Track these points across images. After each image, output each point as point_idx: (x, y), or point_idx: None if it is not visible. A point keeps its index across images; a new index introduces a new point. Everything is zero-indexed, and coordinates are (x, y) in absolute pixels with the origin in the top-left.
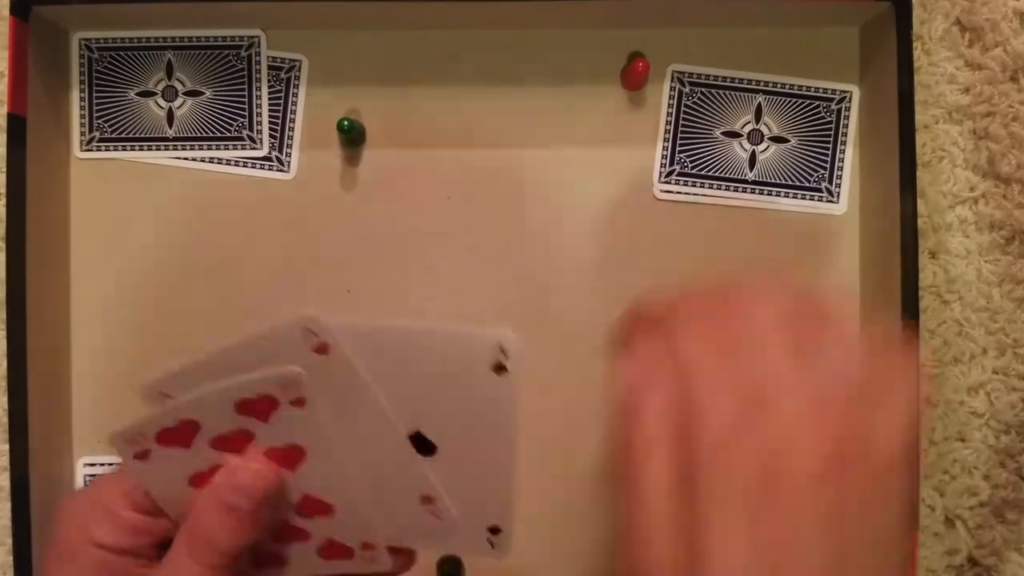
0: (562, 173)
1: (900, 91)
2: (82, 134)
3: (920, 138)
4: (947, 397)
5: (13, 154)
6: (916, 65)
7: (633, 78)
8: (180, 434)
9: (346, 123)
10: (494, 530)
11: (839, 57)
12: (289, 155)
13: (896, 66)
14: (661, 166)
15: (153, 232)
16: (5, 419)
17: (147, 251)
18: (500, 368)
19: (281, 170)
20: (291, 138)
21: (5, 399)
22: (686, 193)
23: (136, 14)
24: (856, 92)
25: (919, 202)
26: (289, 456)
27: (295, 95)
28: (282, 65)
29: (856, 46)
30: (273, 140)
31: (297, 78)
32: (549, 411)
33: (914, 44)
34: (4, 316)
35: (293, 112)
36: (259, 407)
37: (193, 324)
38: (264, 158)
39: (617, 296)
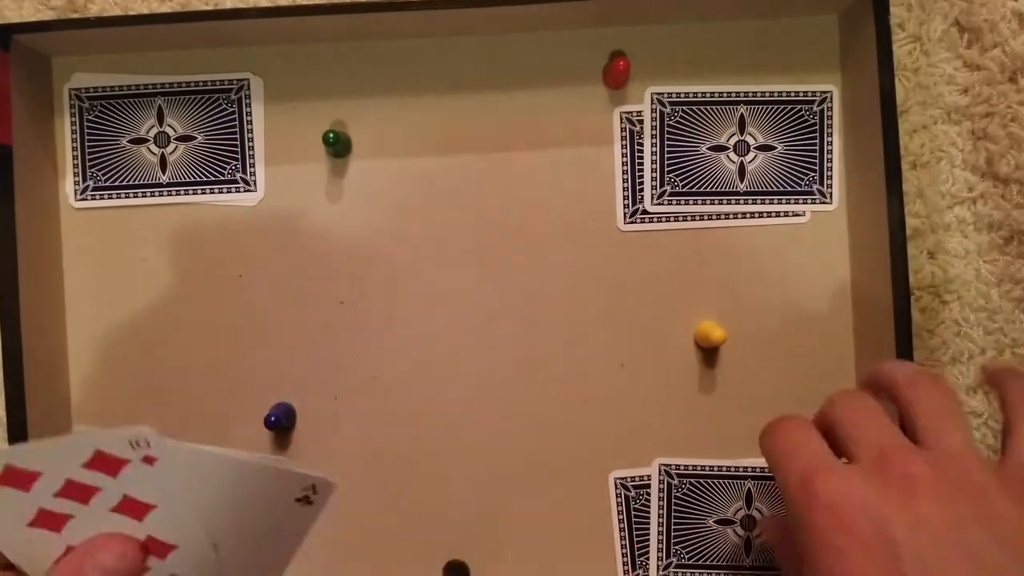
0: (549, 176)
1: (881, 77)
2: (76, 184)
3: (919, 138)
4: None
5: None
6: (915, 66)
7: (615, 76)
8: (23, 478)
9: (331, 135)
10: None
11: (820, 46)
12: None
13: (876, 51)
14: (652, 188)
15: (146, 260)
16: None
17: (140, 278)
18: (306, 501)
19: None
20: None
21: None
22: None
23: (117, 38)
24: (836, 91)
25: (917, 202)
26: (137, 509)
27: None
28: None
29: (836, 34)
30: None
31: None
32: (547, 415)
33: (912, 45)
34: None
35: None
36: (109, 464)
37: (191, 350)
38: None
39: (608, 299)
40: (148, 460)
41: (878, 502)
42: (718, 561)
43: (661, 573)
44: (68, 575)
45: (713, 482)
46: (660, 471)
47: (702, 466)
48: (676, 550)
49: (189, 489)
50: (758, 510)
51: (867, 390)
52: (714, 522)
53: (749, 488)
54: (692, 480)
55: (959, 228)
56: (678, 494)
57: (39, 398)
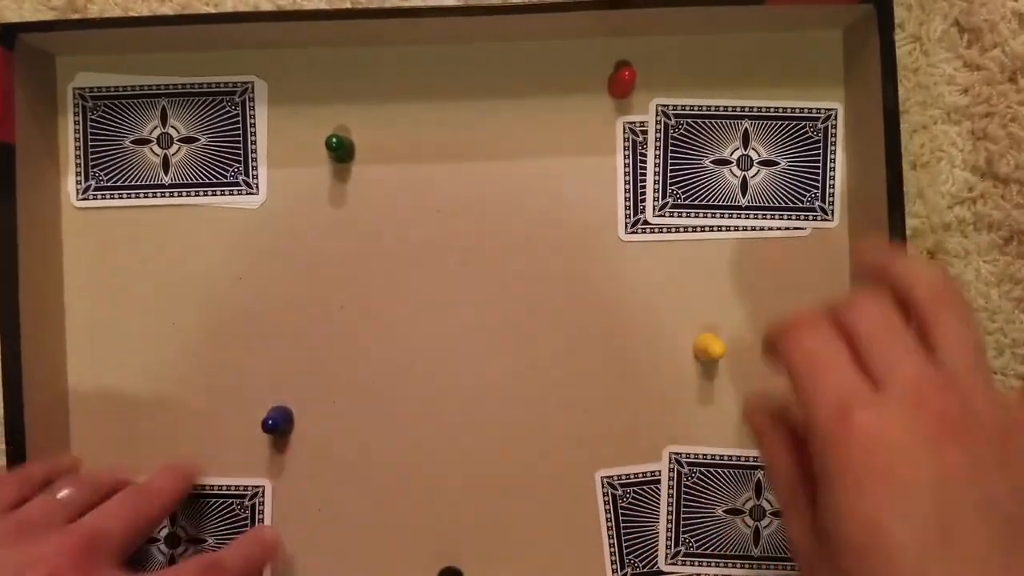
0: (551, 184)
1: (885, 95)
2: (78, 183)
3: (918, 139)
4: None
5: (1, 181)
6: (915, 66)
7: (620, 86)
8: None
9: (334, 140)
10: None
11: (825, 60)
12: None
13: (880, 66)
14: (654, 200)
15: (146, 261)
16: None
17: (140, 279)
18: None
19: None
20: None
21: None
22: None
23: (121, 39)
24: (841, 109)
25: (917, 203)
26: None
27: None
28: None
29: (840, 49)
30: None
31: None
32: (544, 422)
33: (912, 45)
34: None
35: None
36: None
37: (189, 351)
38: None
39: (607, 309)
40: None
41: (912, 443)
42: (726, 551)
43: (669, 562)
44: None
45: (722, 471)
46: (671, 459)
47: (712, 455)
48: (684, 539)
49: None
50: (767, 500)
51: (882, 293)
52: (723, 511)
53: (759, 478)
54: (702, 469)
55: (959, 228)
56: (687, 483)
57: (37, 397)
